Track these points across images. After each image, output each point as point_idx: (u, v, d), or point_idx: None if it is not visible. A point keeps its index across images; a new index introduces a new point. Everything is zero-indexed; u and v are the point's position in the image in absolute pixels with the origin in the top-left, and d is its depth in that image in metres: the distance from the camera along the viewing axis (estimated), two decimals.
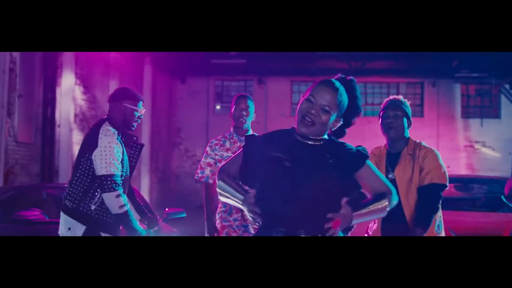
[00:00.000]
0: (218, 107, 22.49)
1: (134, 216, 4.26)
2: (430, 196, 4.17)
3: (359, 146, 3.01)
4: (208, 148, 5.25)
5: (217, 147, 5.20)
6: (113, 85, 15.43)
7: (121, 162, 4.24)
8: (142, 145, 4.58)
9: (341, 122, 3.00)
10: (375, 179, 2.96)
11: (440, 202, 4.22)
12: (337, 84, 2.95)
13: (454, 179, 8.91)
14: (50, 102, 12.68)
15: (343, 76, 3.08)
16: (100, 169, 4.14)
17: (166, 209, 6.40)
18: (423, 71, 21.23)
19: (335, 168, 2.85)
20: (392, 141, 4.39)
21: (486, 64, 19.07)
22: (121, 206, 4.12)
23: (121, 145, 4.29)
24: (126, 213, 4.15)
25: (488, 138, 21.57)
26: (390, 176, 4.27)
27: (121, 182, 4.21)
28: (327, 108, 2.88)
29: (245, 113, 5.16)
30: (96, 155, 4.16)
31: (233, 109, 5.21)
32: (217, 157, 5.15)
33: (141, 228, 4.23)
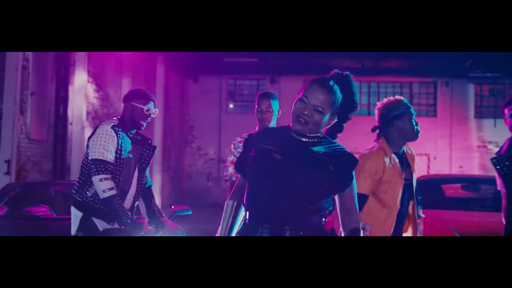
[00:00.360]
0: (230, 105, 22.54)
1: (122, 207, 4.31)
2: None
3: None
4: (232, 146, 5.26)
5: (240, 144, 5.17)
6: (125, 83, 15.52)
7: (116, 152, 4.36)
8: (154, 147, 4.74)
9: (336, 119, 3.01)
10: (353, 203, 3.00)
11: None
12: (331, 82, 2.95)
13: (461, 179, 8.91)
14: (62, 99, 12.78)
15: (339, 72, 3.07)
16: (91, 154, 4.33)
17: (172, 206, 6.43)
18: (436, 71, 21.15)
19: (326, 165, 2.86)
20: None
21: (499, 64, 18.97)
22: (105, 191, 4.24)
23: (118, 136, 4.40)
24: (109, 199, 4.24)
25: (501, 138, 21.42)
26: (408, 176, 4.25)
27: (113, 170, 4.33)
28: (320, 108, 2.88)
29: (266, 115, 5.07)
30: (91, 141, 4.37)
31: (255, 110, 5.13)
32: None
33: (124, 220, 4.27)
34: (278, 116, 5.17)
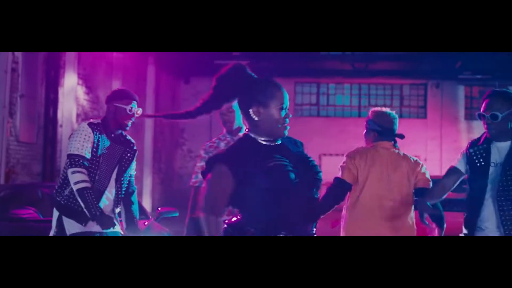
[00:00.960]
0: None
1: (93, 200, 4.29)
2: None
3: None
4: (202, 152, 5.04)
5: (211, 149, 4.97)
6: (116, 86, 15.51)
7: (92, 149, 4.38)
8: (135, 151, 4.68)
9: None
10: None
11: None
12: None
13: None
14: (52, 102, 12.78)
15: (237, 65, 3.12)
16: (68, 150, 4.36)
17: (159, 208, 6.45)
18: (427, 73, 21.25)
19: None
20: None
21: (489, 66, 19.06)
22: (76, 183, 4.24)
23: (94, 134, 4.40)
24: (81, 190, 4.25)
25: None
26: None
27: (86, 166, 4.33)
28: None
29: (228, 116, 4.94)
30: (69, 140, 4.41)
31: (217, 114, 4.86)
32: None
33: (94, 212, 4.25)
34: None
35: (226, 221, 3.00)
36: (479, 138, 4.05)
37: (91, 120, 4.52)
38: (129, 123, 4.53)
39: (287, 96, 3.01)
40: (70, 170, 4.28)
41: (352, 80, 22.79)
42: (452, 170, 4.12)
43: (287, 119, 2.97)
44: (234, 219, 2.99)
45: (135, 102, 4.55)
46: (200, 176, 4.91)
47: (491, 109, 3.86)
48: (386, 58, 19.65)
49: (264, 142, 2.98)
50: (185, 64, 20.09)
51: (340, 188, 4.33)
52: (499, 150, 3.92)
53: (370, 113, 4.66)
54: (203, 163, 4.80)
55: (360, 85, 23.16)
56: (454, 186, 4.15)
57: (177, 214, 6.43)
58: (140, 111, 4.57)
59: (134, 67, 16.92)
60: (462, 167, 4.05)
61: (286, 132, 2.99)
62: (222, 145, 4.92)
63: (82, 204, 4.27)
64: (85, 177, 4.29)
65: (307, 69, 21.45)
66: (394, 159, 4.46)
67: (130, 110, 4.50)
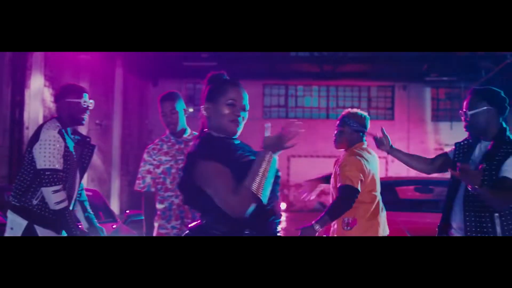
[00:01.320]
0: (190, 109, 22.37)
1: (72, 219, 4.17)
2: None
3: None
4: (145, 155, 4.84)
5: (154, 151, 4.81)
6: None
7: (64, 157, 4.20)
8: (94, 146, 4.55)
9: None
10: None
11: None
12: None
13: (415, 181, 9.03)
14: (18, 104, 12.61)
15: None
16: (40, 163, 4.13)
17: (127, 211, 6.40)
18: (394, 75, 21.44)
19: None
20: None
21: (455, 68, 19.30)
22: (58, 203, 4.09)
23: (65, 140, 4.24)
24: (62, 211, 4.11)
25: (458, 141, 21.78)
26: None
27: (63, 177, 4.17)
28: None
29: (172, 118, 4.79)
30: (36, 149, 4.16)
31: (160, 115, 4.82)
32: (155, 162, 4.77)
33: (77, 231, 4.15)
34: (186, 115, 4.90)
35: (189, 226, 2.97)
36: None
37: (55, 124, 4.26)
38: (85, 117, 4.39)
39: (243, 95, 2.98)
40: (49, 189, 4.08)
41: (320, 82, 22.91)
42: (442, 154, 4.32)
43: (240, 117, 2.94)
44: (194, 223, 2.96)
45: (86, 94, 4.41)
46: (147, 180, 4.75)
47: (469, 106, 3.87)
48: (354, 60, 19.79)
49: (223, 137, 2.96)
50: (153, 66, 20.01)
51: (354, 197, 4.51)
52: (481, 148, 3.91)
53: (350, 115, 4.72)
54: (147, 167, 4.77)
55: (328, 87, 23.30)
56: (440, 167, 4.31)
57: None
58: (92, 102, 4.43)
59: (101, 69, 16.79)
60: (451, 155, 4.13)
61: (239, 130, 2.96)
62: (165, 147, 4.81)
63: (60, 223, 4.12)
64: (64, 195, 4.13)
65: (276, 71, 21.52)
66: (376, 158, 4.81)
67: (84, 103, 4.36)
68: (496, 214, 3.70)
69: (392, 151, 4.40)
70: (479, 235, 3.71)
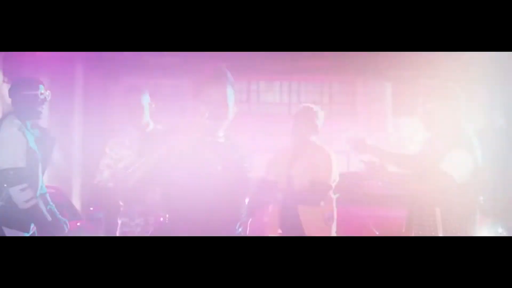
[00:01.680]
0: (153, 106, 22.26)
1: (41, 211, 4.12)
2: None
3: None
4: (107, 149, 4.82)
5: (116, 145, 4.80)
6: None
7: (26, 154, 4.09)
8: (54, 138, 4.45)
9: None
10: None
11: None
12: None
13: None
14: None
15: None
16: (3, 162, 4.01)
17: (91, 208, 6.35)
18: (355, 70, 21.56)
19: None
20: None
21: (416, 64, 19.46)
22: (27, 200, 4.00)
23: (25, 136, 4.13)
24: (31, 209, 4.02)
25: None
26: None
27: (27, 175, 4.08)
28: None
29: (135, 112, 4.86)
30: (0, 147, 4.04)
31: (124, 109, 4.90)
32: (116, 156, 4.71)
33: (50, 227, 4.11)
34: (150, 110, 4.93)
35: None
36: None
37: (14, 120, 4.16)
38: (43, 110, 4.27)
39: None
40: (15, 189, 3.96)
41: (282, 77, 22.91)
42: None
43: None
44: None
45: (41, 85, 4.30)
46: (105, 174, 4.69)
47: None
48: (315, 56, 19.84)
49: None
50: (115, 64, 19.78)
51: None
52: None
53: (309, 110, 4.76)
54: (107, 161, 4.72)
55: (290, 82, 23.32)
56: None
57: None
58: (49, 93, 4.32)
59: (61, 65, 16.54)
60: None
61: None
62: (127, 142, 4.76)
63: (33, 218, 4.02)
64: (31, 193, 4.03)
65: (239, 68, 21.44)
66: None
67: (41, 95, 4.26)
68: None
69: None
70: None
